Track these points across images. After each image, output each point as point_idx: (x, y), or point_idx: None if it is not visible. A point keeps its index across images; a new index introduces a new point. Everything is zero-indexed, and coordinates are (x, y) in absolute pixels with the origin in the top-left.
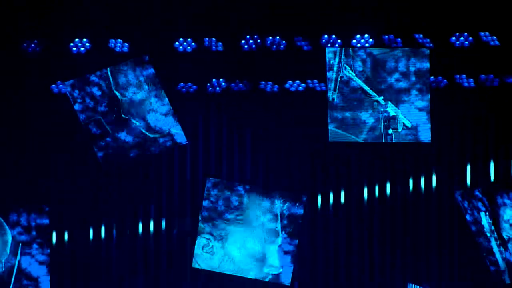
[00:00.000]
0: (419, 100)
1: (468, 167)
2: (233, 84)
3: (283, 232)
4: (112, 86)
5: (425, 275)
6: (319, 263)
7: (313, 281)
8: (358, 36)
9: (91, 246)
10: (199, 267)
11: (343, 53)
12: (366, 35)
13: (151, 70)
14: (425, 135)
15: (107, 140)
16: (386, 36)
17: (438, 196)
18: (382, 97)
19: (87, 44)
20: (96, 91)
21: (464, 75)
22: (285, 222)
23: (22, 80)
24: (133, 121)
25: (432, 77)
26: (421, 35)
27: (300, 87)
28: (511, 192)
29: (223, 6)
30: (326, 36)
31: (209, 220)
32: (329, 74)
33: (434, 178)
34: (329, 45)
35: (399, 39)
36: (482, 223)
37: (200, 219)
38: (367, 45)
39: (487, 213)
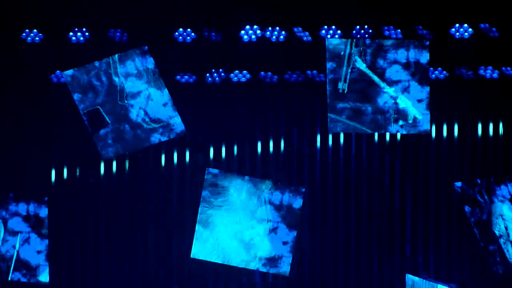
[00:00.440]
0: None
1: (468, 159)
2: (232, 74)
3: (279, 222)
4: (111, 76)
5: (423, 266)
6: (317, 254)
7: (311, 271)
8: (357, 27)
9: (89, 236)
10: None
11: (353, 45)
12: (366, 26)
13: (151, 60)
14: (425, 126)
15: (106, 130)
16: (386, 27)
17: (436, 187)
18: (393, 89)
19: (87, 33)
20: (95, 81)
21: (463, 67)
22: (283, 212)
23: (22, 69)
24: (132, 111)
25: (431, 68)
26: (421, 27)
27: (300, 78)
28: (509, 184)
29: None
30: (326, 27)
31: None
32: (337, 65)
33: (433, 169)
34: (336, 36)
35: (399, 30)
36: (473, 214)
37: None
38: (366, 36)
39: (477, 204)
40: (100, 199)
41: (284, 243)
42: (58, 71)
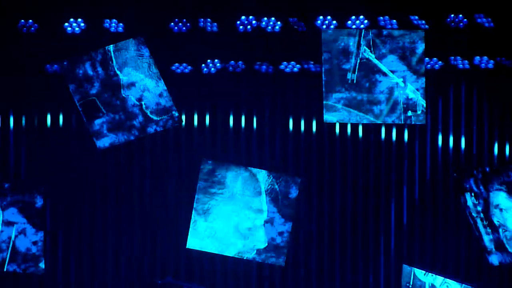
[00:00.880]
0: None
1: (463, 149)
2: (227, 65)
3: (275, 213)
4: (107, 66)
5: (419, 257)
6: (313, 245)
7: (307, 262)
8: (353, 17)
9: (85, 227)
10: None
11: (363, 35)
12: (361, 16)
13: (146, 51)
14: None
15: (102, 120)
16: (381, 17)
17: (432, 178)
18: (401, 79)
19: (82, 24)
20: (91, 71)
21: (458, 57)
22: (279, 203)
23: (17, 59)
24: (128, 101)
25: (427, 58)
26: (417, 17)
27: (295, 68)
28: (504, 174)
29: None
30: (321, 17)
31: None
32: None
33: (429, 160)
34: (354, 25)
35: (394, 21)
36: (468, 204)
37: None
38: (362, 26)
39: (473, 194)
40: (96, 190)
41: (280, 233)
42: (53, 62)
